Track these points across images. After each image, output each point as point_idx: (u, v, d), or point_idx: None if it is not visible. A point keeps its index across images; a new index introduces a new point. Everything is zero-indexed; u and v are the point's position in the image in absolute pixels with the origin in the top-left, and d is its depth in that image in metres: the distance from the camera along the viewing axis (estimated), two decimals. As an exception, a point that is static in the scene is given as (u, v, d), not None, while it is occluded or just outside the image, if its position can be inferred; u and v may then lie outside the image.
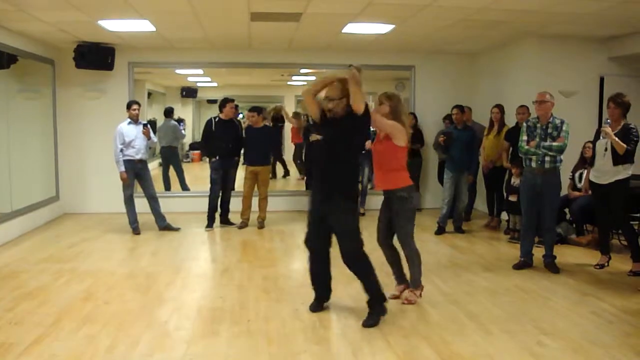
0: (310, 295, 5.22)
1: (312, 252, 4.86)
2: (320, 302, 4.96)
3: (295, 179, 13.67)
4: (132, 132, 7.91)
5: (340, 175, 4.62)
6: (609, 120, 5.92)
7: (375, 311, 4.65)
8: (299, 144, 13.00)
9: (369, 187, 9.97)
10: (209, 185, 8.48)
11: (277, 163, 13.71)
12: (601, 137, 6.04)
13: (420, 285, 5.24)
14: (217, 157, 8.36)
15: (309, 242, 4.86)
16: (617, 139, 5.78)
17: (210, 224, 8.51)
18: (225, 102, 8.48)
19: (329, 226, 4.66)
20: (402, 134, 4.91)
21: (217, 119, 8.45)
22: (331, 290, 5.02)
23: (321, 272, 4.92)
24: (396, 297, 5.22)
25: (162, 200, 8.47)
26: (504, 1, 6.29)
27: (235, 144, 8.52)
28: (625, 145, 5.75)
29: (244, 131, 8.74)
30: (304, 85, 14.97)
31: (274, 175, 13.40)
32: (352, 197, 4.73)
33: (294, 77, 13.78)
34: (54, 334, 4.35)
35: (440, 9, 6.67)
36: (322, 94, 4.79)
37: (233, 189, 8.92)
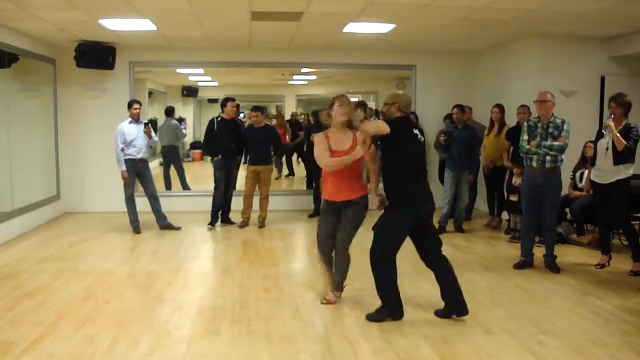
0: (311, 295, 5.24)
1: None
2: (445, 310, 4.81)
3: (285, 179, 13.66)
4: (133, 132, 7.91)
5: (385, 180, 4.69)
6: (612, 116, 5.92)
7: (385, 310, 4.69)
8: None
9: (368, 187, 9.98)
10: (214, 185, 8.47)
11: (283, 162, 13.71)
12: (603, 132, 6.04)
13: (342, 288, 5.15)
14: (220, 157, 8.36)
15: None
16: (618, 134, 5.78)
17: (213, 221, 8.51)
18: (226, 101, 8.48)
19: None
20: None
21: (219, 119, 8.45)
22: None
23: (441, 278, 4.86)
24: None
25: (163, 199, 8.47)
26: (504, 1, 6.29)
27: (238, 143, 8.52)
28: (624, 142, 5.76)
29: (245, 130, 8.75)
30: (305, 84, 14.99)
31: (280, 173, 13.42)
32: (393, 202, 4.64)
33: (294, 77, 13.78)
34: (54, 334, 4.35)
35: (440, 8, 6.67)
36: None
37: (234, 188, 8.91)
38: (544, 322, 4.63)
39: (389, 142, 4.52)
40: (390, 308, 4.68)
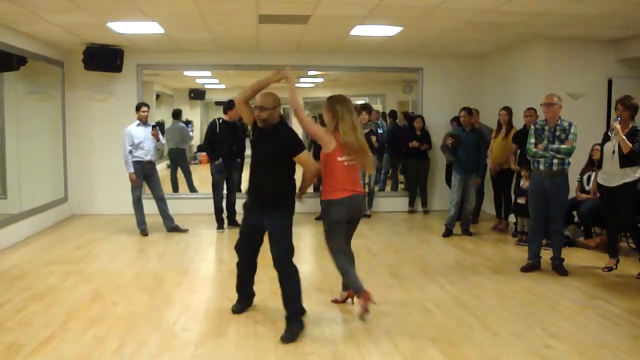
0: (317, 296, 5.25)
1: (243, 255, 4.88)
2: (244, 304, 5.02)
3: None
4: (141, 134, 7.94)
5: (276, 185, 4.52)
6: (619, 118, 5.90)
7: (295, 324, 4.47)
8: None
9: (376, 189, 10.02)
10: (212, 189, 8.48)
11: None
12: (610, 134, 6.02)
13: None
14: (221, 160, 8.34)
15: (240, 247, 4.86)
16: (624, 137, 5.76)
17: (220, 225, 8.53)
18: (232, 104, 8.44)
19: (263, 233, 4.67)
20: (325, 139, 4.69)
21: (220, 121, 8.42)
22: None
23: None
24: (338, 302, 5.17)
25: (170, 201, 8.50)
26: (511, 3, 6.28)
27: (239, 146, 8.51)
28: (630, 145, 5.74)
29: (251, 133, 8.73)
30: (312, 87, 14.98)
31: None
32: (289, 207, 4.58)
33: (301, 79, 13.77)
34: (62, 335, 4.37)
35: (447, 11, 6.66)
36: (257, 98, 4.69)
37: (239, 191, 8.91)
38: (551, 325, 4.62)
39: (286, 137, 4.55)
40: (296, 321, 4.50)
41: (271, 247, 4.53)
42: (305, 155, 4.53)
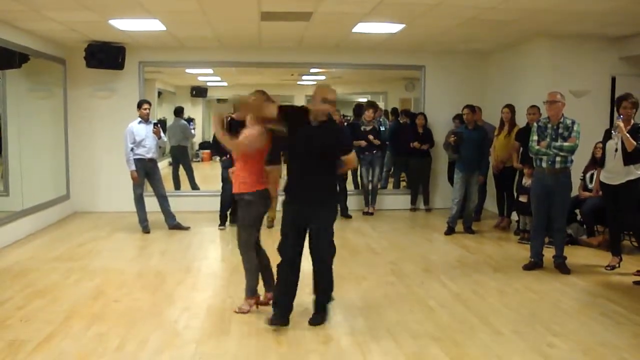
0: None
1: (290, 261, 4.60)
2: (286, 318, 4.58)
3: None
4: (143, 132, 7.94)
5: (324, 184, 4.56)
6: (622, 116, 5.89)
7: (325, 311, 4.69)
8: None
9: (378, 186, 10.00)
10: (221, 184, 8.48)
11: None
12: (613, 132, 6.00)
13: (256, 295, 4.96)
14: (228, 156, 8.37)
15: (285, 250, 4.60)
16: (628, 135, 5.74)
17: (222, 222, 8.53)
18: None
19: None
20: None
21: (229, 119, 8.45)
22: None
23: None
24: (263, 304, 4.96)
25: (172, 199, 8.50)
26: (514, 0, 6.26)
27: None
28: (634, 142, 5.72)
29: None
30: (314, 84, 14.94)
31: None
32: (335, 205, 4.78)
33: (304, 77, 13.77)
34: (64, 332, 4.37)
35: (450, 8, 6.64)
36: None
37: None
38: (553, 324, 4.61)
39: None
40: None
41: (316, 244, 4.53)
42: (353, 154, 4.64)
